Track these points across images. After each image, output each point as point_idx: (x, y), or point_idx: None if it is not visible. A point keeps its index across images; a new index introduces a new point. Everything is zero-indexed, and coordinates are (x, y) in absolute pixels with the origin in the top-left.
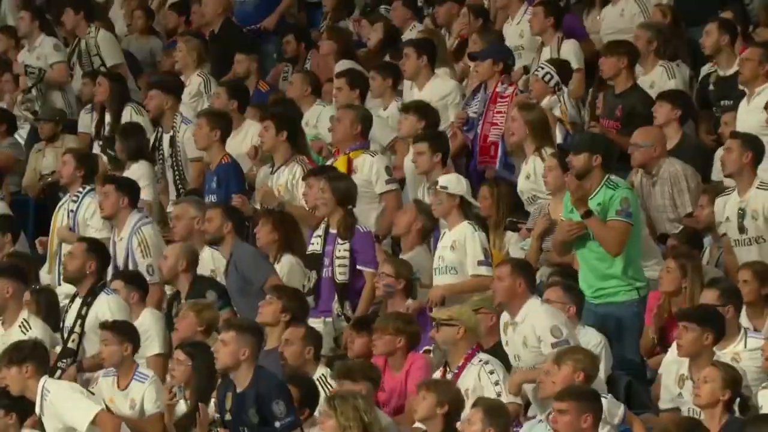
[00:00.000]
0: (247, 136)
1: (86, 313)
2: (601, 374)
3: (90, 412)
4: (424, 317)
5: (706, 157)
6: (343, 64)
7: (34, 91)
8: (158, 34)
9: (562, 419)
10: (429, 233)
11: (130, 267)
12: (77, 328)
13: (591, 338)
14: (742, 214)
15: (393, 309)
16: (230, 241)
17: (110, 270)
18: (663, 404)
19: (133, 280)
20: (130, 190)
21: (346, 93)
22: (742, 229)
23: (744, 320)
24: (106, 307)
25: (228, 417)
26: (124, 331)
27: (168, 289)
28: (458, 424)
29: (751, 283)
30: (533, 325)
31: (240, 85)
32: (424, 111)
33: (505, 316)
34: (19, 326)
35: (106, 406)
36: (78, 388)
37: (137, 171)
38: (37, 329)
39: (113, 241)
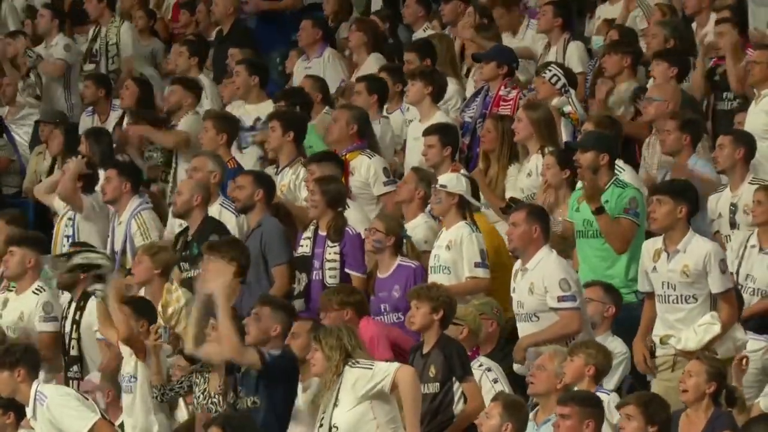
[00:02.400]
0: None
1: (80, 318)
2: (613, 383)
3: (88, 420)
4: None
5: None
6: (374, 58)
7: (32, 76)
8: (159, 36)
9: (564, 424)
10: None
11: (128, 251)
12: (74, 334)
13: (616, 347)
14: (734, 210)
15: (382, 265)
16: (261, 208)
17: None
18: (641, 287)
19: None
20: (132, 175)
21: (365, 98)
22: (733, 225)
23: (753, 239)
24: (89, 312)
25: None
26: (141, 308)
27: None
28: (477, 419)
29: (764, 204)
30: (543, 275)
31: (259, 62)
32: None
33: (517, 264)
34: (33, 291)
35: (102, 414)
36: (75, 395)
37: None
38: (48, 293)
39: (113, 226)
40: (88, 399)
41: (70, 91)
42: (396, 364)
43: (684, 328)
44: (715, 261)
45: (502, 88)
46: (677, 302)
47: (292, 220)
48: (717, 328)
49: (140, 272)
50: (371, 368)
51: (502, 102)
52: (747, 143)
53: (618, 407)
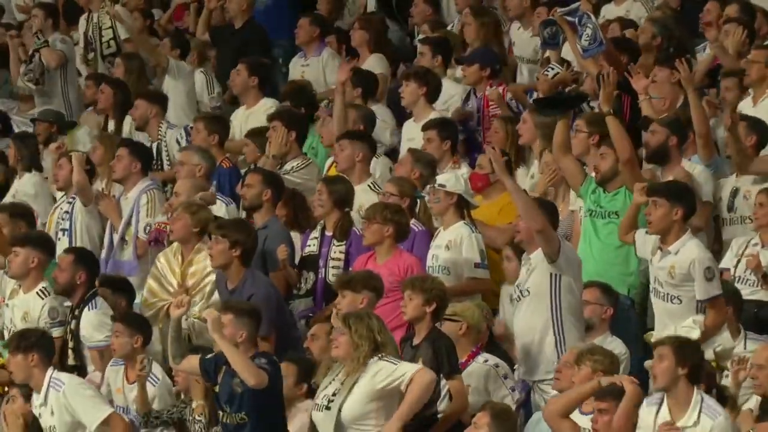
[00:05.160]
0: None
1: (76, 327)
2: None
3: (103, 412)
4: None
5: None
6: (374, 58)
7: (35, 61)
8: (158, 35)
9: (603, 419)
10: (427, 182)
11: (133, 223)
12: (71, 343)
13: (616, 347)
14: (734, 193)
15: None
16: (267, 208)
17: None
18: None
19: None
20: (144, 155)
21: (348, 90)
22: (731, 208)
23: (756, 239)
24: (82, 324)
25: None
26: (135, 324)
27: None
28: (466, 430)
29: (766, 206)
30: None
31: (260, 63)
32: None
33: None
34: (38, 293)
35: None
36: (90, 386)
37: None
38: (53, 296)
39: (118, 200)
40: (102, 393)
41: (68, 88)
42: (419, 366)
43: (670, 323)
44: (699, 268)
45: (488, 88)
46: (664, 300)
47: (304, 199)
48: (696, 334)
49: (178, 229)
50: (396, 364)
51: (490, 101)
52: (760, 131)
53: (653, 346)
